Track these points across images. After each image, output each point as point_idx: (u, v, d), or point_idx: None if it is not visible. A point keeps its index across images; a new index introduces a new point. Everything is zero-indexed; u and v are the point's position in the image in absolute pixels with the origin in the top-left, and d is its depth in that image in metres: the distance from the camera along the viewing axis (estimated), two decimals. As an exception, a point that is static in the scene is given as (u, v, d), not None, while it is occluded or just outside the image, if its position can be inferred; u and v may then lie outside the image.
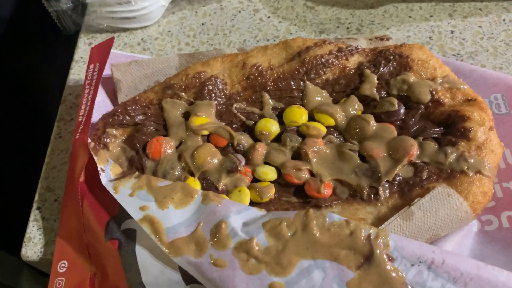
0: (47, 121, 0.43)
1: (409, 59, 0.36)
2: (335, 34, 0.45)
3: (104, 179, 0.31)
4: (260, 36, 0.45)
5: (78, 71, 0.44)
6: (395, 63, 0.37)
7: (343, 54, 0.37)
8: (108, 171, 0.32)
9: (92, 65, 0.38)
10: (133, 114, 0.36)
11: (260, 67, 0.37)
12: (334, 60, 0.37)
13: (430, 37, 0.44)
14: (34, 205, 0.36)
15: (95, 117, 0.37)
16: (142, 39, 0.46)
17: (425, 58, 0.37)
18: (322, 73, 0.37)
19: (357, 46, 0.38)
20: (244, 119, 0.36)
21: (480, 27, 0.44)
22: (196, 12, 0.48)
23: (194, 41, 0.46)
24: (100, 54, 0.37)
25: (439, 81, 0.36)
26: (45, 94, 0.55)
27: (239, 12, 0.47)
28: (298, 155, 0.35)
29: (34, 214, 0.36)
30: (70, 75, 0.44)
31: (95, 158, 0.32)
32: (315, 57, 0.37)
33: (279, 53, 0.38)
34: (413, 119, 0.35)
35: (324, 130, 0.35)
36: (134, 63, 0.38)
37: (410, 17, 0.45)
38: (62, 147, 0.40)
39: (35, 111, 0.55)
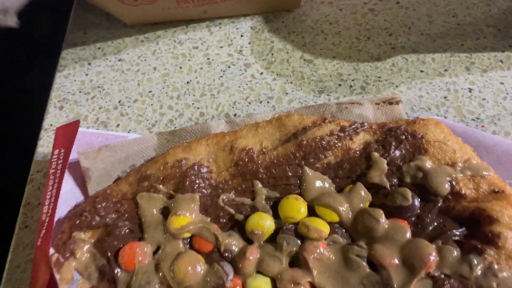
0: (13, 201, 0.38)
1: (424, 140, 0.31)
2: (337, 94, 0.40)
3: (66, 306, 0.27)
4: (252, 97, 0.40)
5: (47, 142, 0.39)
6: (407, 145, 0.31)
7: (346, 134, 0.32)
8: (72, 293, 0.28)
9: (57, 150, 0.33)
10: (103, 213, 0.31)
11: (251, 151, 0.32)
12: (336, 142, 0.32)
13: (445, 97, 0.38)
14: (-6, 316, 0.32)
15: (63, 210, 0.32)
16: (119, 101, 0.41)
17: (443, 138, 0.31)
18: (323, 156, 0.32)
19: (363, 122, 0.33)
20: (233, 212, 0.31)
21: (502, 83, 0.39)
22: (181, 68, 0.43)
23: (178, 103, 0.40)
24: (66, 138, 0.32)
25: (459, 167, 0.30)
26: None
27: (229, 67, 0.42)
28: (297, 259, 0.30)
29: (-7, 328, 0.31)
30: (38, 147, 0.39)
31: (57, 277, 0.28)
32: (314, 139, 0.32)
33: (272, 133, 0.32)
34: (430, 215, 0.30)
35: (326, 231, 0.30)
36: (104, 148, 0.33)
37: (422, 71, 0.40)
38: (28, 239, 0.35)
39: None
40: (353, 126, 0.32)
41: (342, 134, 0.32)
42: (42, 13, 0.51)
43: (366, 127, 0.32)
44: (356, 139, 0.32)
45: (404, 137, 0.32)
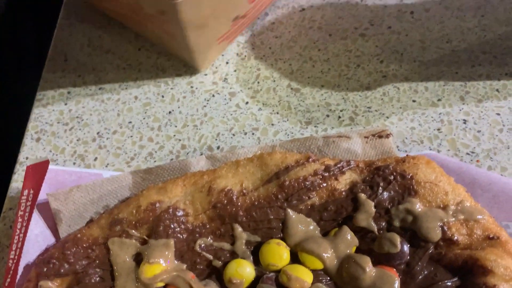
0: None
1: (413, 181, 0.29)
2: (324, 125, 0.38)
3: None
4: (236, 128, 0.38)
5: (22, 177, 0.37)
6: (396, 186, 0.30)
7: (331, 173, 0.30)
8: None
9: (26, 191, 0.31)
10: (72, 260, 0.29)
11: (230, 192, 0.30)
12: (320, 182, 0.30)
13: (438, 129, 0.36)
14: None
15: (32, 254, 0.30)
16: (98, 132, 0.39)
17: (434, 178, 0.29)
18: (307, 198, 0.30)
19: (349, 161, 0.31)
20: (211, 258, 0.29)
21: (498, 114, 0.37)
22: (163, 97, 0.41)
23: (158, 135, 0.39)
24: (35, 178, 0.31)
25: (451, 211, 0.28)
26: None
27: (213, 96, 0.41)
28: (278, 311, 0.28)
29: None
30: (13, 182, 0.38)
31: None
32: (297, 180, 0.30)
33: (253, 172, 0.31)
34: (420, 264, 0.28)
35: (309, 281, 0.28)
36: (76, 189, 0.31)
37: (414, 101, 0.38)
38: (-4, 284, 0.33)
39: None
40: (338, 165, 0.30)
41: (327, 174, 0.30)
42: (24, 34, 0.50)
43: (352, 165, 0.31)
44: (342, 178, 0.30)
45: (392, 177, 0.30)
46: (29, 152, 0.39)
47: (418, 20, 0.43)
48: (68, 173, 0.33)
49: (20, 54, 0.53)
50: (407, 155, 0.31)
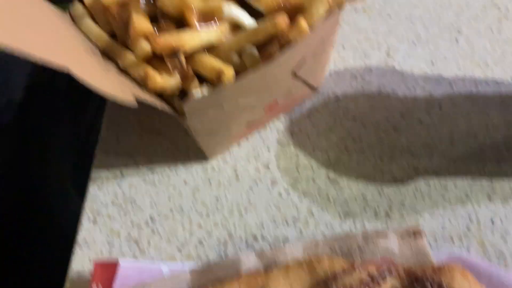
0: None
1: (450, 292, 0.32)
2: (361, 218, 0.41)
3: None
4: (279, 218, 0.42)
5: (81, 260, 0.41)
6: (434, 296, 0.32)
7: (375, 282, 0.33)
8: None
9: (94, 285, 0.34)
10: None
11: (282, 295, 0.33)
12: (365, 289, 0.33)
13: (467, 228, 0.40)
14: None
15: None
16: (150, 216, 0.43)
17: (469, 289, 0.32)
18: (352, 304, 0.33)
19: (390, 268, 0.34)
20: None
21: (523, 214, 0.40)
22: (210, 182, 0.44)
23: (206, 222, 0.42)
24: (104, 275, 0.34)
25: (486, 323, 0.31)
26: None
27: (256, 184, 0.44)
28: None
29: None
30: (72, 264, 0.41)
31: None
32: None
33: (302, 277, 0.34)
34: None
35: None
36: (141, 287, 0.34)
37: (444, 198, 0.41)
38: None
39: None
40: (382, 274, 0.33)
41: (371, 284, 0.33)
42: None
43: (393, 273, 0.34)
44: (384, 286, 0.33)
45: (430, 286, 0.33)
46: (87, 234, 0.42)
47: (446, 114, 0.47)
48: (131, 268, 0.36)
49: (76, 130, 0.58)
50: (443, 265, 0.34)
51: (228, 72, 0.36)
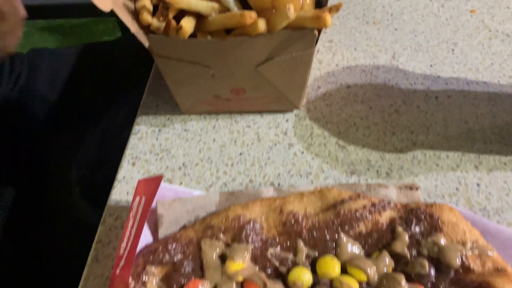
0: (85, 241, 0.44)
1: (439, 221, 0.38)
2: (365, 177, 0.47)
3: (140, 325, 0.32)
4: (293, 171, 0.48)
5: (119, 191, 0.47)
6: (426, 223, 0.38)
7: (376, 209, 0.39)
8: (144, 316, 0.33)
9: (138, 197, 0.40)
10: (172, 253, 0.37)
11: (297, 215, 0.39)
12: (367, 215, 0.39)
13: (457, 188, 0.46)
14: (64, 334, 0.37)
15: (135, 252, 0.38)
16: (183, 163, 0.49)
17: (455, 221, 0.38)
18: (356, 226, 0.38)
19: (389, 201, 0.40)
20: (278, 264, 0.38)
21: (505, 182, 0.46)
22: (235, 142, 0.51)
23: (231, 170, 0.48)
24: (147, 189, 0.40)
25: (469, 246, 0.37)
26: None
27: (275, 145, 0.51)
28: (330, 310, 0.35)
29: None
30: (112, 195, 0.47)
31: (134, 300, 0.33)
32: (349, 211, 0.39)
33: (315, 201, 0.40)
34: (443, 284, 0.36)
35: (356, 287, 0.36)
36: (178, 200, 0.40)
37: (437, 165, 0.48)
38: (98, 272, 0.41)
39: (74, 226, 0.57)
40: (382, 204, 0.39)
41: (373, 209, 0.39)
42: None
43: (392, 206, 0.40)
44: (384, 214, 0.39)
45: (423, 216, 0.39)
46: (126, 173, 0.49)
47: (441, 104, 0.54)
48: (167, 189, 0.42)
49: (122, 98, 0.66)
50: (434, 202, 0.40)
51: (185, 29, 0.42)
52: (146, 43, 0.44)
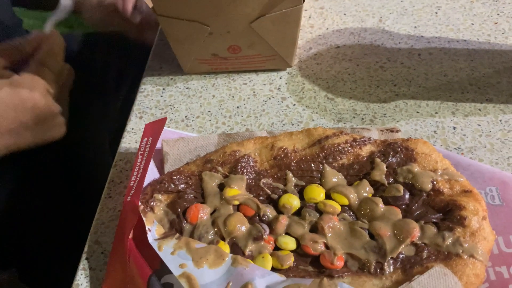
0: (99, 181, 0.49)
1: (414, 152, 0.43)
2: (351, 123, 0.52)
3: (150, 238, 0.37)
4: (286, 121, 0.53)
5: (129, 140, 0.52)
6: (402, 155, 0.43)
7: (357, 143, 0.44)
8: (153, 231, 0.38)
9: (146, 139, 0.45)
10: (177, 182, 0.42)
11: (286, 150, 0.44)
12: (349, 148, 0.43)
13: (434, 131, 0.50)
14: (83, 256, 0.42)
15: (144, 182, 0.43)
16: (185, 116, 0.54)
17: (428, 152, 0.43)
18: (339, 158, 0.43)
19: (370, 137, 0.44)
20: (270, 193, 0.42)
21: (479, 125, 0.50)
22: (233, 97, 0.56)
23: (230, 121, 0.53)
24: (153, 130, 0.45)
25: (439, 173, 0.41)
26: (99, 154, 0.63)
27: (269, 99, 0.55)
28: (315, 228, 0.40)
29: (83, 264, 0.42)
30: (122, 144, 0.52)
31: (144, 219, 0.38)
32: (333, 145, 0.43)
33: (302, 139, 0.44)
34: (416, 205, 0.40)
35: (339, 209, 0.40)
36: (181, 140, 0.45)
37: (417, 112, 0.52)
38: (111, 206, 0.46)
39: (90, 169, 0.62)
40: (362, 139, 0.44)
41: (354, 144, 0.43)
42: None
43: (372, 141, 0.44)
44: (364, 148, 0.44)
45: (399, 149, 0.43)
46: (134, 125, 0.54)
47: (424, 60, 0.58)
48: (172, 133, 0.47)
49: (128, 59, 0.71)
50: (409, 137, 0.44)
51: None
52: (150, 3, 0.48)
